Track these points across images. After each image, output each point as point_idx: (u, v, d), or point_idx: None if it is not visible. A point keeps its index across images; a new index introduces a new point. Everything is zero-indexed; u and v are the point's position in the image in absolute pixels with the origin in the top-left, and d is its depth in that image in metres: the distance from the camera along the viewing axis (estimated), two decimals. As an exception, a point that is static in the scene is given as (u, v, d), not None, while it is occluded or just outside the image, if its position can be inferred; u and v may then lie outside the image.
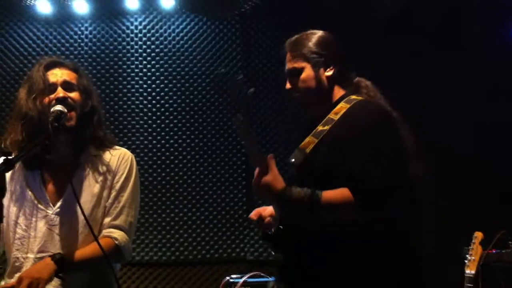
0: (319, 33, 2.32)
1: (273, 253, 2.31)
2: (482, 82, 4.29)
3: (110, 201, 2.34)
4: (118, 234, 2.29)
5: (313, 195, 1.98)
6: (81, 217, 2.24)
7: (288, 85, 2.32)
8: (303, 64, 2.27)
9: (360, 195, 1.97)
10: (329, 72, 2.26)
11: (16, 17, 4.56)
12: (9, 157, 1.79)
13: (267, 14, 4.62)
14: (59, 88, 2.28)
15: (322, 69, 2.26)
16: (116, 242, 2.27)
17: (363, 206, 1.96)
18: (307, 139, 2.18)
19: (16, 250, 2.29)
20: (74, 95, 2.30)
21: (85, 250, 2.23)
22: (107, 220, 2.32)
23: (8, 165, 1.78)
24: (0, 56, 4.52)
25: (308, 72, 2.26)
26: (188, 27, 4.62)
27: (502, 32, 4.31)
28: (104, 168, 2.37)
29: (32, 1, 4.46)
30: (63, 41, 4.55)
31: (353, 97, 2.22)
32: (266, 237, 2.28)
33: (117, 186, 2.36)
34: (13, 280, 2.21)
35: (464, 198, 4.04)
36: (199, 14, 4.61)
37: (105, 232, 2.29)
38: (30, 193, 2.32)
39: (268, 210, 2.39)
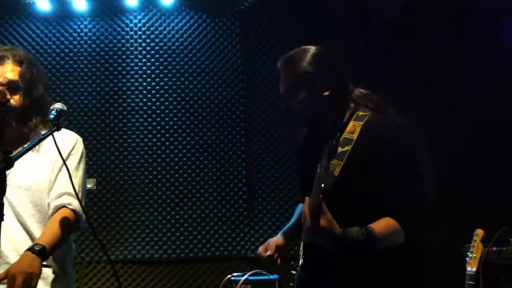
0: (312, 50, 2.24)
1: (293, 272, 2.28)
2: (483, 82, 4.29)
3: (54, 175, 2.37)
4: (69, 199, 2.31)
5: (370, 235, 1.95)
6: (29, 190, 2.30)
7: (284, 106, 2.27)
8: (299, 85, 2.20)
9: (406, 223, 2.00)
10: (326, 92, 2.19)
11: (15, 14, 4.55)
12: (9, 155, 1.79)
13: (266, 12, 4.61)
14: (1, 88, 2.32)
15: (318, 90, 2.19)
16: (71, 207, 2.29)
17: (409, 232, 2.01)
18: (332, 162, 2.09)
19: None
20: (15, 94, 2.34)
21: (53, 229, 2.23)
22: (54, 191, 2.34)
23: (7, 163, 1.77)
24: (-1, 54, 4.51)
25: (304, 94, 2.19)
26: (188, 24, 4.61)
27: (503, 32, 4.30)
28: (50, 146, 2.35)
29: (31, -1, 4.47)
30: (62, 38, 4.54)
31: (361, 113, 2.18)
32: (298, 266, 2.23)
33: (62, 160, 2.33)
34: None
35: (465, 196, 4.05)
36: (199, 11, 4.60)
37: (56, 202, 2.31)
38: None
39: (272, 244, 2.38)
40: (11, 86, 2.35)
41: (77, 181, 2.39)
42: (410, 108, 2.35)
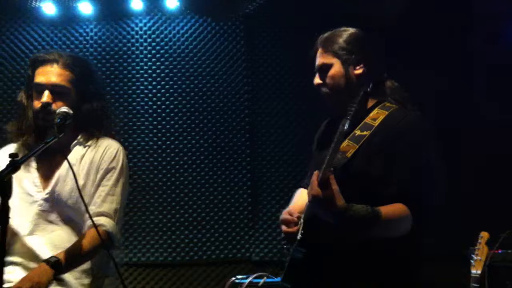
0: (351, 30, 2.30)
1: (288, 249, 2.24)
2: (484, 83, 4.29)
3: (93, 189, 2.35)
4: (104, 220, 2.30)
5: (374, 212, 1.94)
6: (70, 203, 2.28)
7: (317, 80, 2.30)
8: (333, 60, 2.25)
9: (417, 211, 1.99)
10: (359, 71, 2.23)
11: (21, 19, 4.57)
12: (16, 159, 1.80)
13: (270, 15, 4.61)
14: (46, 92, 2.27)
15: (351, 67, 2.23)
16: (104, 228, 2.27)
17: (419, 221, 2.00)
18: (345, 143, 2.10)
19: (11, 230, 2.31)
20: (61, 99, 2.29)
21: (78, 245, 2.24)
22: (92, 208, 2.32)
23: (14, 167, 1.78)
24: (5, 57, 4.53)
25: (337, 68, 2.24)
26: (193, 28, 4.62)
27: (502, 36, 4.30)
28: (91, 157, 2.38)
29: (37, 3, 4.48)
30: (68, 42, 4.56)
31: (388, 104, 2.21)
32: (293, 240, 2.20)
33: (102, 174, 2.37)
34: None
35: (470, 198, 4.03)
36: (203, 15, 4.61)
37: (90, 222, 2.27)
38: (22, 178, 2.35)
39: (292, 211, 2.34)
40: (55, 91, 2.29)
41: (115, 198, 2.36)
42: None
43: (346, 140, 2.11)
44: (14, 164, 1.78)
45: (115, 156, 2.41)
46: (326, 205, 1.91)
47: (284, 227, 2.28)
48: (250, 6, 4.54)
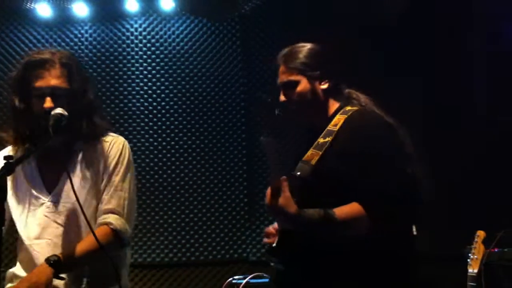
0: (309, 45, 2.34)
1: (272, 264, 2.27)
2: (486, 82, 4.29)
3: (102, 186, 2.32)
4: (112, 218, 2.26)
5: (326, 215, 1.99)
6: (77, 205, 2.19)
7: (282, 98, 2.33)
8: (298, 77, 2.28)
9: (372, 210, 2.00)
10: (324, 85, 2.28)
11: (16, 20, 4.56)
12: (10, 161, 1.79)
13: (267, 15, 4.62)
14: (47, 98, 2.21)
15: (317, 82, 2.28)
16: (111, 226, 2.24)
17: (376, 220, 1.99)
18: (309, 152, 2.18)
19: (20, 238, 2.31)
20: (61, 103, 2.23)
21: (83, 244, 2.21)
22: (100, 207, 2.30)
23: (9, 169, 1.77)
24: (0, 60, 4.52)
25: (304, 85, 2.28)
26: (188, 28, 4.62)
27: (502, 36, 4.31)
28: (97, 154, 2.35)
29: (32, 5, 4.48)
30: (63, 44, 4.55)
31: (348, 108, 2.25)
32: (270, 250, 2.25)
33: (109, 170, 2.34)
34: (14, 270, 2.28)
35: (466, 197, 4.04)
36: (199, 15, 4.61)
37: (99, 220, 2.28)
38: (26, 182, 2.33)
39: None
40: (55, 93, 2.23)
41: (123, 194, 2.32)
42: (410, 108, 2.37)
43: (311, 149, 2.18)
44: (8, 166, 1.77)
45: (121, 151, 2.39)
46: (278, 212, 1.99)
47: (265, 239, 2.34)
48: (246, 6, 4.54)
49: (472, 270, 3.17)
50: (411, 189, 2.05)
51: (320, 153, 2.14)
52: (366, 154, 2.06)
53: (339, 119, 2.20)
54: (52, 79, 2.25)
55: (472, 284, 3.13)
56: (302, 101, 2.28)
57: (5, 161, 1.79)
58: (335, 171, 2.08)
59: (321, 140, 2.18)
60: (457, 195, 3.94)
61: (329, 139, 2.16)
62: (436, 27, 4.34)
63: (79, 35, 4.58)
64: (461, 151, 4.13)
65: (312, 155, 2.15)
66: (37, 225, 2.29)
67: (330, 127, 2.20)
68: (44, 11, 4.52)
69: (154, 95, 4.55)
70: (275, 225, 2.33)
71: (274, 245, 2.20)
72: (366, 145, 2.08)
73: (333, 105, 2.30)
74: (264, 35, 4.64)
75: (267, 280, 3.47)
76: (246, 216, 4.44)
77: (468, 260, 3.22)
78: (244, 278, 3.41)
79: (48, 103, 2.21)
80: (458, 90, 4.27)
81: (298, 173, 2.13)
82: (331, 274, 2.09)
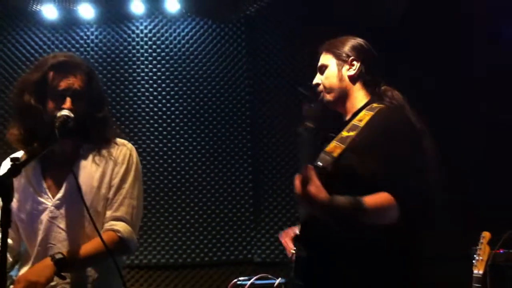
0: (355, 38, 2.45)
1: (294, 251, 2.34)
2: (484, 83, 4.29)
3: (111, 193, 2.32)
4: (120, 226, 2.27)
5: (357, 202, 2.01)
6: (82, 209, 2.20)
7: (314, 80, 2.45)
8: (330, 61, 2.40)
9: (403, 199, 2.03)
10: (351, 72, 2.36)
11: (22, 22, 4.58)
12: (16, 163, 1.80)
13: (272, 16, 4.62)
14: (68, 99, 2.23)
15: (345, 68, 2.37)
16: (119, 234, 2.24)
17: (406, 210, 2.03)
18: (332, 144, 2.22)
19: (24, 243, 2.31)
20: (80, 106, 2.26)
21: (88, 246, 2.21)
22: (108, 212, 2.30)
23: (15, 172, 1.78)
24: (6, 61, 4.55)
25: (332, 69, 2.39)
26: (193, 30, 4.63)
27: (503, 33, 4.30)
28: (104, 160, 2.35)
29: (38, 7, 4.50)
30: (69, 46, 4.57)
31: (375, 105, 2.29)
32: (295, 237, 2.33)
33: (117, 177, 2.34)
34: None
35: (472, 198, 4.03)
36: (204, 17, 4.62)
37: (107, 225, 2.27)
38: (30, 186, 2.33)
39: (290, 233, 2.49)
40: (76, 96, 2.25)
41: (132, 202, 2.33)
42: (418, 109, 2.40)
43: (334, 141, 2.23)
44: (15, 168, 1.78)
45: (130, 158, 2.40)
46: (310, 200, 1.99)
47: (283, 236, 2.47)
48: (251, 7, 4.55)
49: (477, 271, 3.17)
50: (429, 190, 2.11)
51: (343, 146, 2.18)
52: (389, 152, 2.11)
53: (365, 115, 2.24)
54: (76, 81, 2.28)
55: (477, 285, 3.13)
56: (328, 84, 2.39)
57: (11, 163, 1.80)
58: (356, 167, 2.12)
59: (345, 133, 2.23)
60: (462, 196, 3.93)
61: (352, 133, 2.20)
62: (436, 27, 4.34)
63: (85, 37, 4.60)
64: (466, 151, 4.12)
65: (334, 147, 2.20)
66: (41, 230, 2.28)
67: (355, 121, 2.24)
68: (50, 13, 4.53)
69: (159, 97, 4.56)
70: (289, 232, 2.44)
71: (297, 233, 2.27)
72: (389, 143, 2.12)
73: (362, 99, 2.36)
74: (269, 36, 4.64)
75: (272, 281, 3.47)
76: (251, 217, 4.45)
77: (473, 261, 3.22)
78: (249, 279, 3.41)
79: (68, 103, 2.23)
80: (458, 90, 4.27)
81: (320, 163, 2.17)
82: (346, 265, 2.12)
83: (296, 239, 2.29)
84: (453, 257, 3.92)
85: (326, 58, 2.42)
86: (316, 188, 1.99)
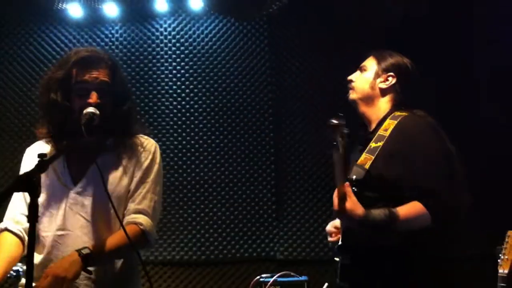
0: (401, 56, 2.56)
1: (337, 259, 2.42)
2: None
3: (133, 186, 2.34)
4: (142, 219, 2.29)
5: (391, 214, 2.15)
6: (102, 199, 2.22)
7: (350, 76, 2.58)
8: (371, 67, 2.53)
9: (433, 207, 2.17)
10: (383, 85, 2.48)
11: (47, 21, 4.64)
12: (44, 159, 1.83)
13: (294, 15, 4.61)
14: (93, 93, 2.25)
15: (380, 79, 2.49)
16: (141, 227, 2.27)
17: (437, 217, 2.17)
18: (363, 156, 2.34)
19: (40, 228, 2.32)
20: (106, 100, 2.28)
21: (112, 240, 2.23)
22: (131, 205, 2.32)
23: (42, 168, 1.80)
24: (33, 60, 4.61)
25: (368, 74, 2.52)
26: (217, 28, 4.65)
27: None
28: (128, 154, 2.38)
29: (64, 5, 4.55)
30: (94, 44, 4.61)
31: (398, 113, 2.40)
32: (338, 247, 2.40)
33: (141, 171, 2.37)
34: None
35: (497, 196, 3.99)
36: (227, 15, 4.63)
37: (129, 218, 2.30)
38: (53, 172, 2.35)
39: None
40: (103, 89, 2.27)
41: (154, 196, 2.37)
42: (432, 109, 2.44)
43: (364, 153, 2.35)
44: (42, 164, 1.81)
45: (153, 154, 2.42)
46: (348, 216, 2.15)
47: (329, 238, 2.59)
48: (274, 6, 4.54)
49: (503, 270, 3.12)
50: (458, 195, 2.22)
51: (373, 157, 2.30)
52: (414, 158, 2.23)
53: (389, 124, 2.35)
54: (101, 75, 2.29)
55: (503, 284, 3.09)
56: (359, 86, 2.52)
57: (39, 159, 1.82)
58: (387, 175, 2.25)
59: (373, 144, 2.34)
60: (488, 194, 3.88)
61: (380, 144, 2.32)
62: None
63: (110, 35, 4.65)
64: (492, 150, 4.08)
65: (365, 159, 2.32)
66: (60, 216, 2.30)
67: (381, 131, 2.36)
68: (75, 11, 4.58)
69: (183, 94, 4.58)
70: (335, 223, 2.53)
71: (340, 243, 2.36)
72: (416, 149, 2.25)
73: (385, 107, 2.47)
74: (292, 34, 4.64)
75: (294, 278, 3.47)
76: (273, 215, 4.45)
77: (499, 260, 3.18)
78: (272, 277, 3.42)
79: (93, 97, 2.25)
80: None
81: (354, 176, 2.29)
82: (390, 272, 2.26)
83: (339, 248, 2.39)
84: (478, 256, 3.89)
85: (370, 62, 2.55)
86: (353, 204, 2.13)
